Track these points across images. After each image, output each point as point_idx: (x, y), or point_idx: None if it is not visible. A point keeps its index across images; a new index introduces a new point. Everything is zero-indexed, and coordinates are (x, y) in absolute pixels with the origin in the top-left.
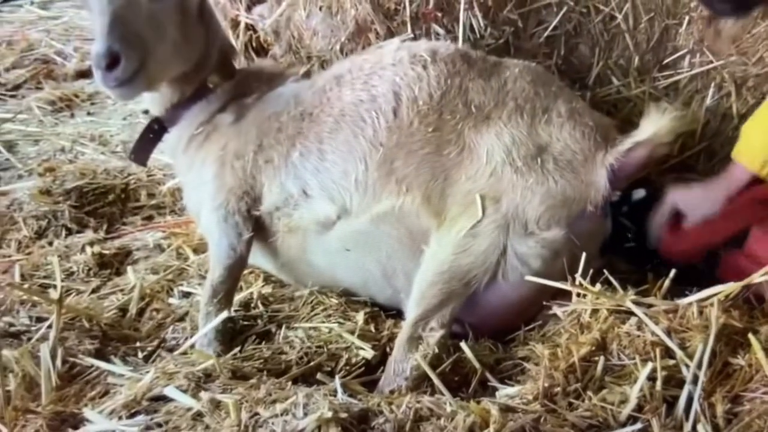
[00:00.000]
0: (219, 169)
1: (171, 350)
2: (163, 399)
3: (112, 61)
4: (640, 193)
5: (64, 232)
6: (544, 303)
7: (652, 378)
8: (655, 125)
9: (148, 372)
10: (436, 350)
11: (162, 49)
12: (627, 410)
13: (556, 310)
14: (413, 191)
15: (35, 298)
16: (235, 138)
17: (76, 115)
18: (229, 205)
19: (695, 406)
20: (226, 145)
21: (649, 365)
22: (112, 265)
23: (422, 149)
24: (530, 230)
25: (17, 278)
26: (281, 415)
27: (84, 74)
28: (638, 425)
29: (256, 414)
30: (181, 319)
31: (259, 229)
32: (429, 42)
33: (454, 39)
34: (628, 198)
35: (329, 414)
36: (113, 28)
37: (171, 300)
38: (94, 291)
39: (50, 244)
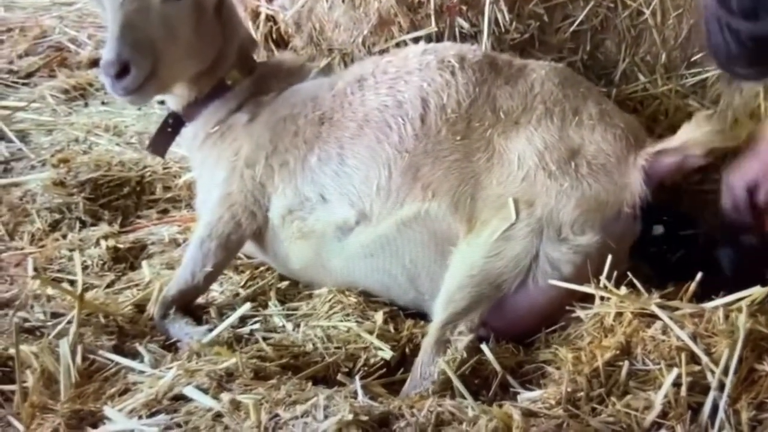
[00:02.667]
0: (229, 175)
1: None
2: (183, 398)
3: (121, 70)
4: (658, 230)
5: (78, 225)
6: (567, 307)
7: (676, 384)
8: (690, 135)
9: (170, 369)
10: (464, 355)
11: (174, 53)
12: (651, 416)
13: (579, 312)
14: (440, 197)
15: (58, 292)
16: (248, 142)
17: (90, 104)
18: (217, 229)
19: (720, 413)
20: (239, 151)
21: (674, 371)
22: (126, 259)
23: (450, 156)
24: (564, 235)
25: (30, 272)
26: (302, 416)
27: (98, 63)
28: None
29: (277, 415)
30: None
31: (268, 234)
32: (455, 45)
33: (479, 33)
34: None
35: (350, 417)
36: (123, 35)
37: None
38: (108, 286)
39: (64, 237)
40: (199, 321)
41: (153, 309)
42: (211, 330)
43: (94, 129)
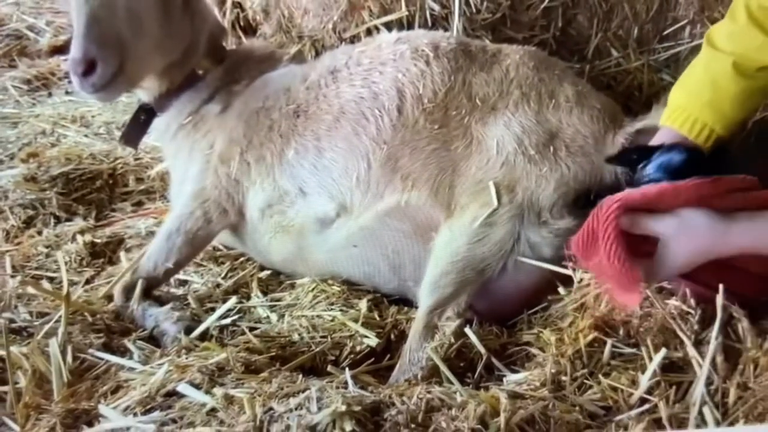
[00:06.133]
0: (203, 169)
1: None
2: (176, 394)
3: (88, 67)
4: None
5: (52, 221)
6: (549, 290)
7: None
8: None
9: (161, 365)
10: (453, 340)
11: (142, 47)
12: (638, 393)
13: (562, 292)
14: (419, 186)
15: (43, 293)
16: (222, 135)
17: (54, 93)
18: (186, 224)
19: (701, 389)
20: (213, 143)
21: (663, 351)
22: (104, 254)
23: (428, 146)
24: (543, 219)
25: (9, 270)
26: (296, 409)
27: (59, 49)
28: (646, 406)
29: (271, 409)
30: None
31: (247, 227)
32: (428, 33)
33: (450, 14)
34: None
35: (343, 408)
36: (89, 31)
37: (169, 289)
38: (88, 281)
39: (39, 233)
40: (161, 304)
41: (137, 304)
42: (174, 309)
43: (60, 120)
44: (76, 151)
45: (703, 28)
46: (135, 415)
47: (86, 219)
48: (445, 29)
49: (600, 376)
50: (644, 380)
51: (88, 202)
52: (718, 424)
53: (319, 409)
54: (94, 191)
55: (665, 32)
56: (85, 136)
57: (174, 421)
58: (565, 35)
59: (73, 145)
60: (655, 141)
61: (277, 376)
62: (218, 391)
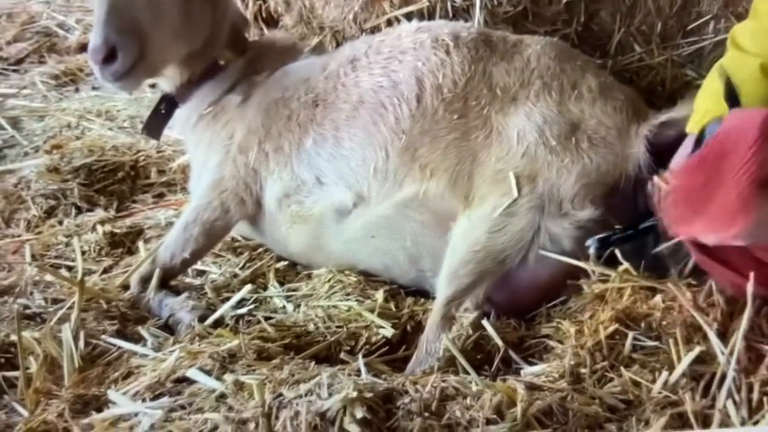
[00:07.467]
0: (222, 159)
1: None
2: (186, 380)
3: (108, 55)
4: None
5: (73, 211)
6: (569, 282)
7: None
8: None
9: (172, 352)
10: (470, 332)
11: (163, 35)
12: (657, 386)
13: (584, 284)
14: (438, 176)
15: (58, 279)
16: (241, 125)
17: (81, 89)
18: (204, 214)
19: (728, 383)
20: (233, 134)
21: (696, 349)
22: (123, 244)
23: (448, 135)
24: (564, 210)
25: (28, 258)
26: (305, 395)
27: (87, 47)
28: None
29: (280, 395)
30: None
31: (265, 218)
32: (448, 23)
33: (471, 6)
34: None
35: (354, 394)
36: (109, 19)
37: (185, 279)
38: (106, 271)
39: (60, 223)
40: (177, 294)
41: (153, 293)
42: (189, 298)
43: (86, 114)
44: (99, 143)
45: (727, 23)
46: (144, 400)
47: (107, 210)
48: (466, 21)
49: (621, 368)
50: (673, 377)
51: (110, 194)
52: (743, 422)
53: (330, 395)
54: (116, 183)
55: (689, 27)
56: (110, 129)
57: (183, 407)
58: (587, 30)
59: (97, 138)
60: (682, 149)
61: (288, 363)
62: (228, 377)
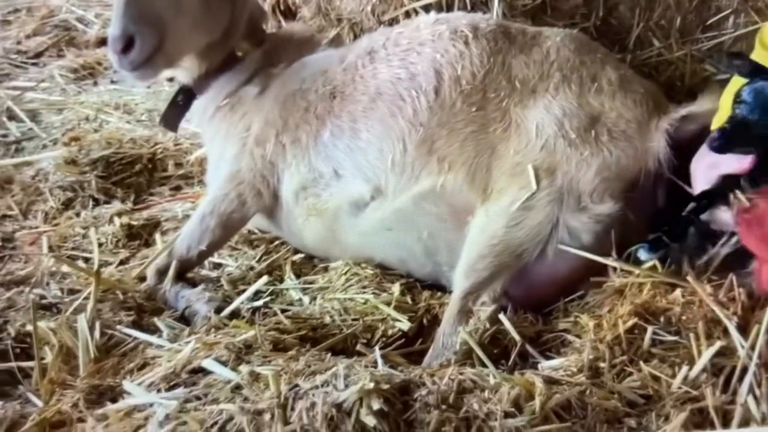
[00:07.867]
0: (239, 151)
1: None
2: (202, 371)
3: (126, 44)
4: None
5: (91, 203)
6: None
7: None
8: (715, 102)
9: (188, 343)
10: (487, 326)
11: (181, 24)
12: (677, 381)
13: (604, 281)
14: (456, 168)
15: (74, 270)
16: (258, 117)
17: (99, 83)
18: (221, 206)
19: (749, 377)
20: (250, 126)
21: (717, 343)
22: (140, 236)
23: (466, 128)
24: (583, 204)
25: (45, 250)
26: (321, 386)
27: (106, 41)
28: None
29: (296, 386)
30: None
31: (281, 211)
32: (467, 15)
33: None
34: None
35: (371, 385)
36: (127, 8)
37: (202, 271)
38: (122, 262)
39: (77, 215)
40: (193, 286)
41: (169, 285)
42: (206, 290)
43: (104, 107)
44: (117, 136)
45: (747, 18)
46: (159, 391)
47: (124, 202)
48: (484, 14)
49: (641, 363)
50: (693, 372)
51: (127, 186)
52: (764, 418)
53: (346, 386)
54: (133, 175)
55: (708, 22)
56: (127, 122)
57: (198, 398)
58: (606, 25)
59: (115, 131)
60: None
61: (305, 354)
62: (244, 368)
